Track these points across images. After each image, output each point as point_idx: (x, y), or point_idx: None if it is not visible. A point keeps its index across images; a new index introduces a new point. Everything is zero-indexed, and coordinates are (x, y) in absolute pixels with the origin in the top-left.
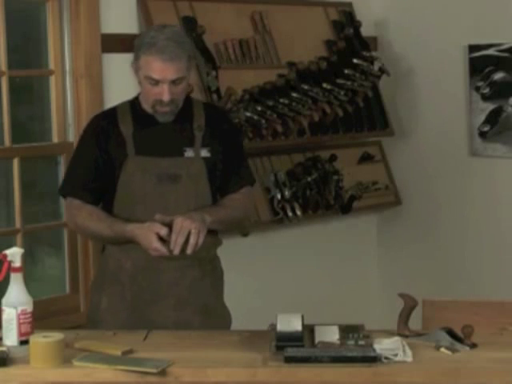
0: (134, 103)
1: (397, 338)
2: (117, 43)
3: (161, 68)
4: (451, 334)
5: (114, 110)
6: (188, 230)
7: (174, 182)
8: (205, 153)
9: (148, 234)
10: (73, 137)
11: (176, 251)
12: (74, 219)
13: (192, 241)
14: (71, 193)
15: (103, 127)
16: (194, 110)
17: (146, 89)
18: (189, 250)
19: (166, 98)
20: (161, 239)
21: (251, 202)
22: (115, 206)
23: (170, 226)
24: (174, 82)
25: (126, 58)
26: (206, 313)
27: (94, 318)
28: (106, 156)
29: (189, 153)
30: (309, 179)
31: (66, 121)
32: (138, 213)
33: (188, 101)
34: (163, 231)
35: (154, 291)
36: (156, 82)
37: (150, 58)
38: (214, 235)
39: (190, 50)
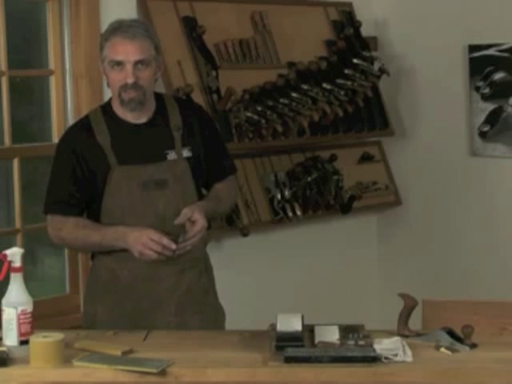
0: (106, 108)
1: (397, 338)
2: None
3: (123, 48)
4: (451, 333)
5: (87, 119)
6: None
7: (161, 188)
8: (186, 152)
9: (143, 233)
10: None
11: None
12: (59, 233)
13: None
14: (54, 210)
15: (79, 140)
16: (167, 108)
17: (111, 78)
18: (188, 247)
19: (130, 79)
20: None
21: (237, 191)
22: (102, 218)
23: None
24: (138, 65)
25: None
26: (203, 311)
27: (91, 328)
28: (86, 168)
29: (171, 155)
30: (309, 179)
31: (66, 121)
32: (128, 222)
33: (160, 98)
34: (156, 236)
35: (153, 299)
36: (120, 67)
37: (114, 40)
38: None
39: (156, 38)
